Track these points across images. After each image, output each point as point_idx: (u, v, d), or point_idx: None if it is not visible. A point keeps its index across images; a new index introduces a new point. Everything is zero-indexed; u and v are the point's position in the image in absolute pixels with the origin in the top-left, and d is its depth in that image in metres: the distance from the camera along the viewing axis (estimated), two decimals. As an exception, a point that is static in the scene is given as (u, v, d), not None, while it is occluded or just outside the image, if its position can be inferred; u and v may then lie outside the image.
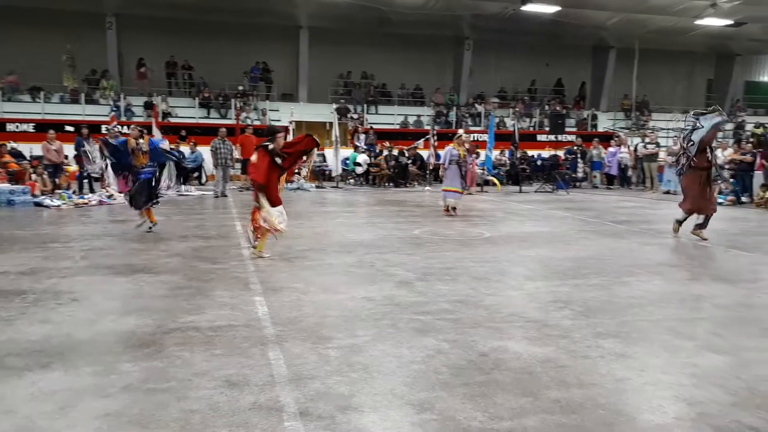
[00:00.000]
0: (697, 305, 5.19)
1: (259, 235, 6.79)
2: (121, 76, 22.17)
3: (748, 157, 14.24)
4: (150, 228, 8.56)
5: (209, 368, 3.51)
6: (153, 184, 8.58)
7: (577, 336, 4.18)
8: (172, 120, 20.58)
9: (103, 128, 17.63)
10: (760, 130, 23.46)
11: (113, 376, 3.38)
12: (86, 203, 12.09)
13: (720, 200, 13.97)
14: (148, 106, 20.10)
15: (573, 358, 3.76)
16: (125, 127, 18.62)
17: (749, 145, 15.41)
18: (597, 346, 3.99)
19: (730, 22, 21.58)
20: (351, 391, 3.22)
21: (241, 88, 22.13)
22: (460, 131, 13.40)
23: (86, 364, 3.55)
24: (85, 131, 14.36)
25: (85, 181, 14.06)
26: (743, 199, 14.00)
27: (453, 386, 3.31)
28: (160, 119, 18.27)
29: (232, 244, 7.70)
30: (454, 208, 10.99)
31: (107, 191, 12.77)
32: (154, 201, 8.66)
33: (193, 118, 21.08)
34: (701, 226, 8.36)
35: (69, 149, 14.36)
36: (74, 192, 13.14)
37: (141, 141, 8.74)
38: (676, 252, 7.71)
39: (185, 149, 15.59)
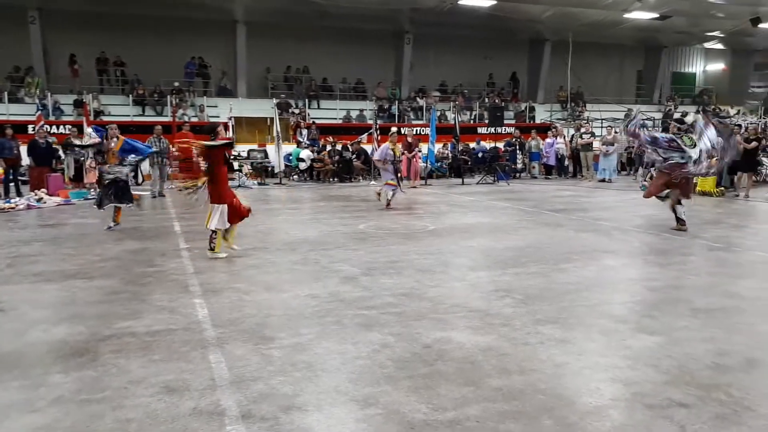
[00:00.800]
0: (630, 289, 5.40)
1: (215, 236, 6.65)
2: (47, 73, 21.13)
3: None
4: (111, 227, 8.61)
5: (147, 375, 3.40)
6: (123, 184, 8.70)
7: (517, 324, 4.27)
8: (105, 118, 19.77)
9: (30, 128, 16.79)
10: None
11: (43, 389, 3.22)
12: (13, 208, 11.46)
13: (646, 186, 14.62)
14: (78, 104, 19.25)
15: (514, 346, 3.84)
16: (53, 127, 17.87)
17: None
18: (537, 332, 4.08)
19: (656, 15, 22.53)
20: (295, 391, 3.18)
21: (176, 84, 21.49)
22: (393, 129, 13.62)
23: (13, 378, 3.37)
24: (9, 131, 13.62)
25: (12, 184, 13.35)
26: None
27: (398, 380, 3.32)
28: (91, 118, 17.53)
29: (170, 245, 7.48)
30: (389, 201, 11.31)
31: (36, 195, 12.16)
32: (125, 202, 8.75)
33: (128, 116, 20.33)
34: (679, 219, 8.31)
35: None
36: (-1, 196, 12.46)
37: (115, 140, 8.85)
38: (611, 238, 7.99)
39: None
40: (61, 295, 5.18)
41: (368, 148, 18.84)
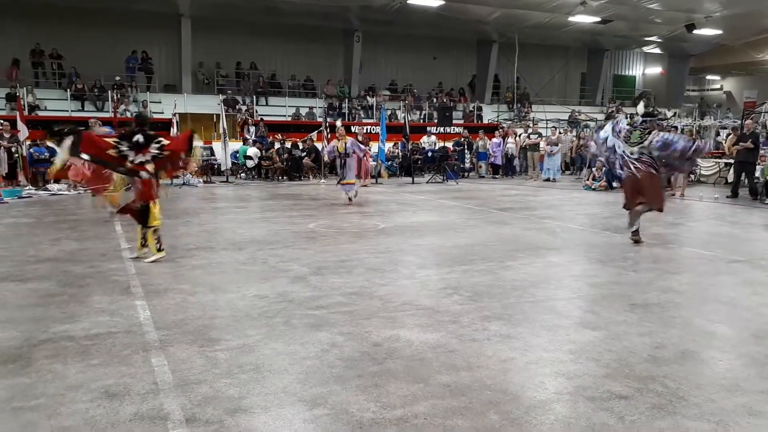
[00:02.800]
0: (573, 285, 5.55)
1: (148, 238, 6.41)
2: (-24, 65, 20.04)
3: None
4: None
5: (85, 380, 3.27)
6: None
7: (465, 320, 4.32)
8: (41, 113, 18.93)
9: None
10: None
11: (-29, 398, 3.05)
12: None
13: (593, 186, 15.10)
14: (12, 98, 18.34)
15: (462, 342, 3.89)
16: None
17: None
18: (484, 329, 4.15)
19: (598, 19, 23.27)
20: (241, 393, 3.12)
21: (118, 78, 20.76)
22: (338, 123, 13.70)
23: (-63, 387, 3.18)
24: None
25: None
26: (614, 184, 15.16)
27: (346, 379, 3.31)
28: (26, 113, 16.73)
29: (110, 246, 7.21)
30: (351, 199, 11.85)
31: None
32: None
33: (66, 111, 19.51)
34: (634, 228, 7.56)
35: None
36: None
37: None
38: (555, 236, 8.20)
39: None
40: (-8, 298, 4.92)
41: (319, 145, 18.73)
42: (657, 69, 33.06)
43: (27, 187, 13.68)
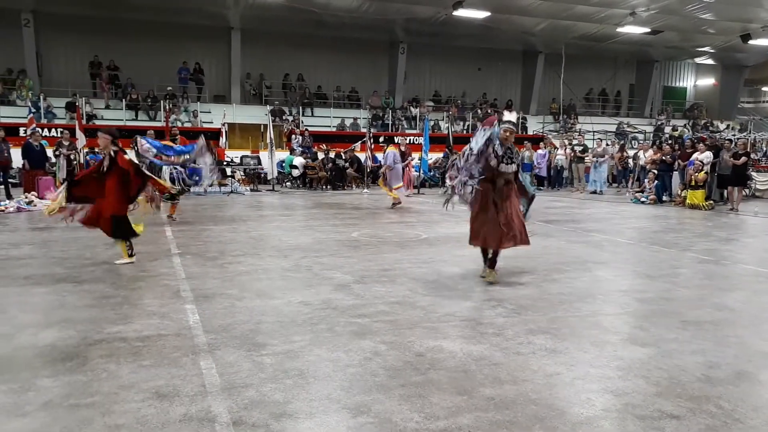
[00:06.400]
0: (621, 300, 5.42)
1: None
2: (40, 76, 21.04)
3: (668, 158, 15.04)
4: (173, 218, 10.16)
5: (137, 380, 3.37)
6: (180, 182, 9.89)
7: (510, 333, 4.28)
8: (98, 122, 19.71)
9: (22, 131, 16.70)
10: (677, 133, 24.89)
11: (31, 393, 3.19)
12: (3, 210, 11.37)
13: (642, 199, 14.73)
14: (71, 107, 19.17)
15: (506, 355, 3.84)
16: (45, 130, 17.78)
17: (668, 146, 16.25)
18: (529, 342, 4.09)
19: (648, 30, 22.78)
20: (286, 398, 3.16)
21: (170, 89, 21.45)
22: (400, 139, 14.44)
23: (2, 382, 3.33)
24: (1, 133, 13.54)
25: (1, 186, 13.25)
26: (664, 198, 14.77)
27: (390, 388, 3.31)
28: (84, 122, 17.45)
29: (161, 250, 7.44)
30: (399, 202, 12.69)
31: (27, 197, 12.07)
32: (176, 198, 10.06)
33: (120, 120, 20.27)
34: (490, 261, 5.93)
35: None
36: (-11, 199, 12.35)
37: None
38: (602, 249, 8.03)
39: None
40: (51, 298, 5.14)
41: (362, 156, 18.88)
42: (710, 80, 32.09)
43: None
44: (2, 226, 9.60)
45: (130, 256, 6.59)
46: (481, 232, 5.75)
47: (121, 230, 6.54)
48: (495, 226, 5.63)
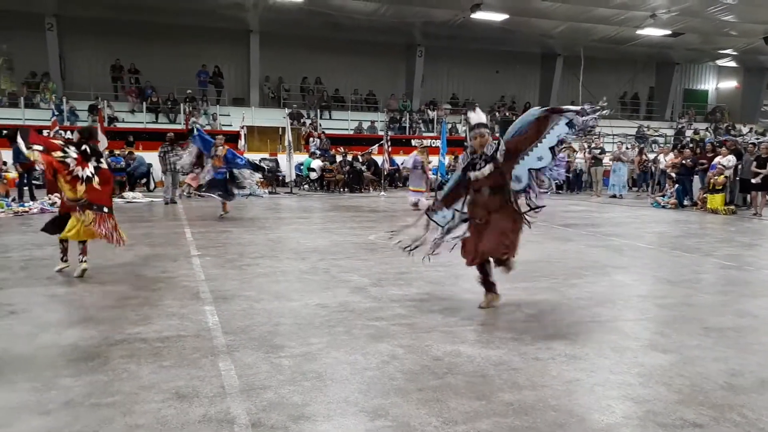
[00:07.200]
0: (641, 305, 5.36)
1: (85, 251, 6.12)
2: (63, 79, 21.40)
3: (689, 162, 14.85)
4: (222, 215, 10.89)
5: (157, 380, 3.40)
6: (225, 183, 10.73)
7: (528, 338, 4.25)
8: (119, 125, 20.00)
9: (45, 133, 16.94)
10: (698, 136, 24.55)
11: (54, 392, 3.24)
12: (27, 211, 11.57)
13: (663, 203, 14.55)
14: (93, 110, 19.46)
15: (525, 360, 3.81)
16: (68, 132, 18.04)
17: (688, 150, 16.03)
18: (548, 347, 4.06)
19: (668, 32, 22.51)
20: (304, 400, 3.17)
21: (189, 92, 21.68)
22: (425, 143, 14.67)
23: (24, 380, 3.39)
24: (25, 136, 13.76)
25: (26, 188, 13.48)
26: (685, 202, 14.57)
27: (407, 392, 3.31)
28: (105, 124, 17.71)
29: (181, 252, 7.51)
30: (416, 204, 12.57)
31: (51, 198, 12.26)
32: (230, 196, 10.84)
33: (141, 123, 20.53)
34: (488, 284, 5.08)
35: (7, 155, 13.72)
36: (13, 200, 12.56)
37: (221, 148, 10.87)
38: (621, 254, 7.94)
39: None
40: (73, 298, 5.22)
41: (379, 159, 18.91)
42: (732, 83, 31.61)
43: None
44: (26, 227, 9.77)
45: (62, 260, 6.21)
46: (473, 244, 4.84)
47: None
48: (491, 235, 4.72)
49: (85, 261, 6.06)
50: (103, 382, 3.39)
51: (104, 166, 6.26)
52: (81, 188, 5.92)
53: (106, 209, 6.16)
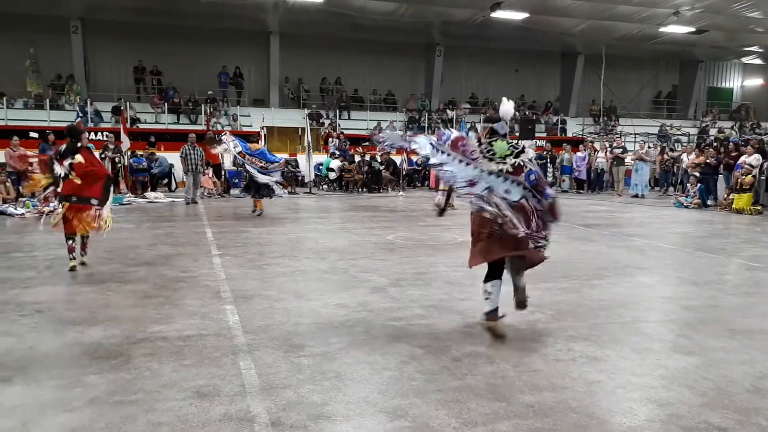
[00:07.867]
0: (664, 307, 5.28)
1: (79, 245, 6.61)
2: (87, 81, 21.73)
3: (713, 161, 14.60)
4: (259, 213, 11.24)
5: (178, 379, 3.44)
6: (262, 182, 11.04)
7: (549, 340, 4.21)
8: (141, 126, 20.25)
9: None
10: (723, 135, 24.12)
11: (78, 389, 3.29)
12: (52, 211, 11.73)
13: (686, 203, 14.32)
14: (116, 111, 19.74)
15: (545, 362, 3.78)
16: (92, 134, 18.32)
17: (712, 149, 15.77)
18: (569, 349, 4.02)
19: (692, 29, 22.14)
20: (324, 400, 3.18)
21: (210, 93, 21.89)
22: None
23: (50, 378, 3.45)
24: (51, 137, 14.03)
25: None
26: (708, 202, 14.33)
27: (426, 392, 3.30)
28: (128, 125, 17.95)
29: (202, 251, 7.58)
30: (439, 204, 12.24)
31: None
32: (263, 195, 11.28)
33: (163, 123, 20.77)
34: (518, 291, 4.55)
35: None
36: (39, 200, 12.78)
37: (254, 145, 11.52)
38: (644, 254, 7.84)
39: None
40: (97, 297, 5.29)
41: (397, 159, 18.89)
42: (758, 81, 30.98)
43: (127, 195, 14.61)
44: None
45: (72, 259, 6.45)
46: (481, 246, 4.46)
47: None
48: (501, 237, 4.33)
49: (83, 255, 6.61)
50: (125, 380, 3.44)
51: (79, 160, 6.46)
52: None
53: (94, 201, 6.50)
